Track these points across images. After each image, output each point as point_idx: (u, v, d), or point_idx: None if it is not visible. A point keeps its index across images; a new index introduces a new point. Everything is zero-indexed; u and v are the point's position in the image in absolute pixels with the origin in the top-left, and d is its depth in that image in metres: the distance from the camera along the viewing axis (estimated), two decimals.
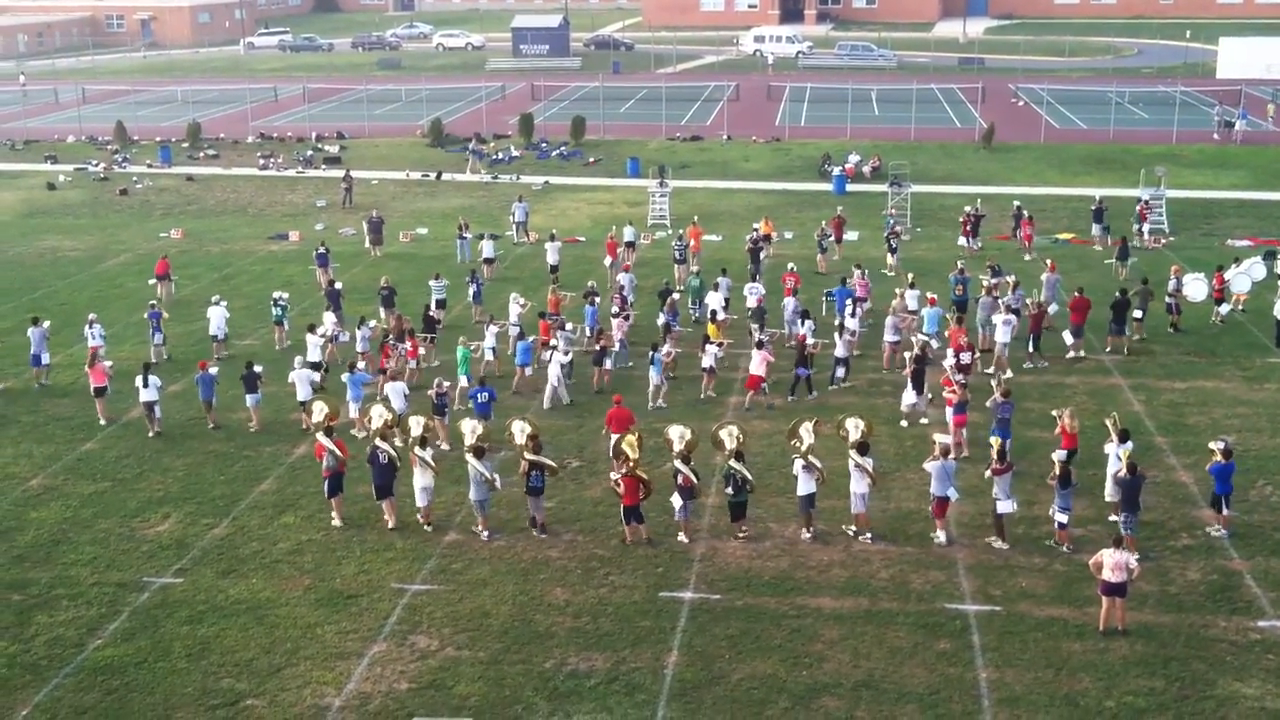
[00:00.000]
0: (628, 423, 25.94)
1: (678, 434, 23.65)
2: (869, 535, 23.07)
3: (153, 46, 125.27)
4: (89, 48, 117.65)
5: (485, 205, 53.94)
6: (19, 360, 33.73)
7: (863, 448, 23.01)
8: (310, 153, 66.28)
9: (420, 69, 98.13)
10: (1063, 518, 22.52)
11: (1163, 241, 45.79)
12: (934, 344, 31.35)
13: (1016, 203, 47.08)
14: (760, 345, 30.14)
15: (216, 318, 34.21)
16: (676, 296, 35.30)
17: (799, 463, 23.07)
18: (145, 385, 28.55)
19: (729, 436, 23.57)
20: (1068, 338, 33.03)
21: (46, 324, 33.43)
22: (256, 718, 18.04)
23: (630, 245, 43.25)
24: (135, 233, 50.79)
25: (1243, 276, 36.86)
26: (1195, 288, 36.08)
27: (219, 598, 21.39)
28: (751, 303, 34.71)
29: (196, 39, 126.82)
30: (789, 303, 34.31)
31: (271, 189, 59.41)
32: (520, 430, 24.20)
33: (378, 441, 24.08)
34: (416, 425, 24.42)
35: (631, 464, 23.09)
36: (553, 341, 31.18)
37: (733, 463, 22.98)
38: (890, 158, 58.46)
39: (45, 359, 32.59)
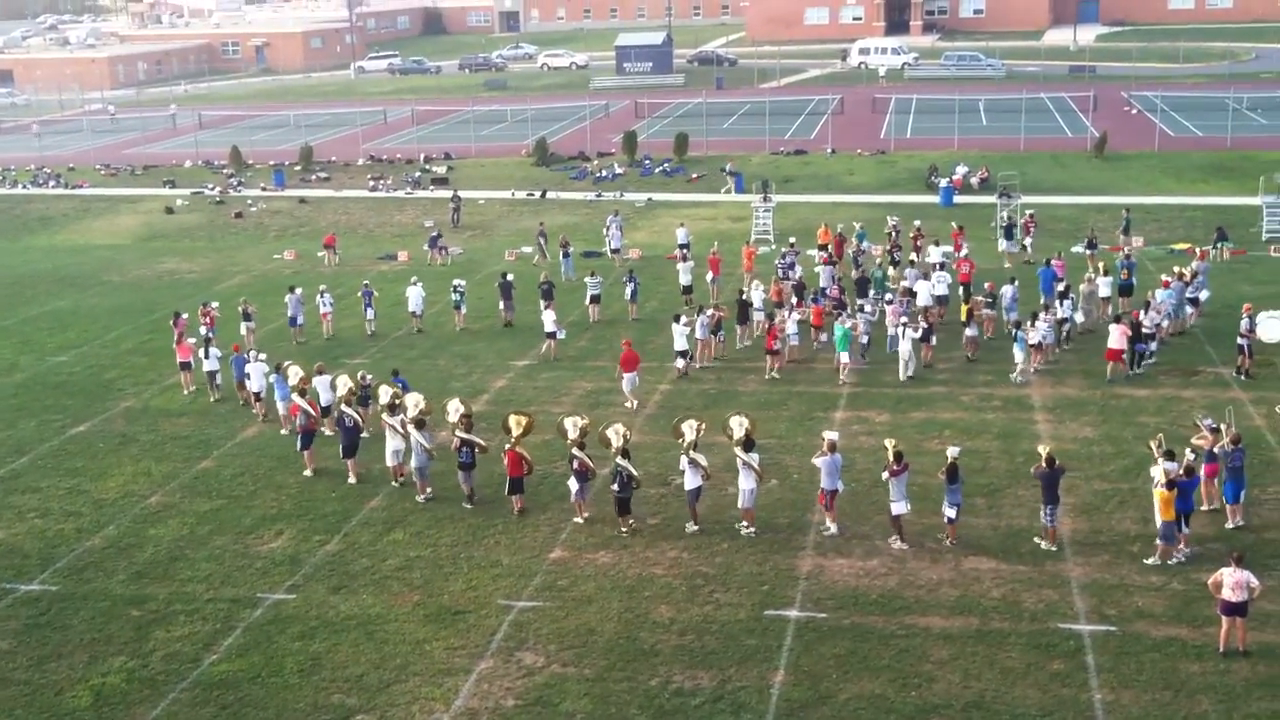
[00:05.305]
0: (635, 364, 30.40)
1: (572, 424, 24.90)
2: (754, 530, 23.68)
3: (266, 72, 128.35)
4: (205, 74, 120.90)
5: (589, 223, 54.20)
6: (139, 380, 34.72)
7: (748, 444, 23.64)
8: (418, 174, 67.27)
9: (525, 89, 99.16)
10: (951, 513, 22.71)
11: None
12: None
13: (917, 223, 44.84)
14: (1119, 319, 31.84)
15: (415, 296, 38.29)
16: (908, 284, 36.74)
17: (684, 459, 23.92)
18: (206, 357, 32.55)
19: (616, 435, 24.34)
20: None
21: (299, 290, 38.02)
22: None
23: (684, 248, 43.88)
24: (250, 254, 51.99)
25: (1275, 322, 32.55)
26: (1269, 328, 32.15)
27: (330, 614, 21.70)
28: (941, 290, 35.94)
29: (308, 64, 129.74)
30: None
31: (381, 210, 60.41)
32: (454, 409, 26.26)
33: (343, 407, 27.23)
34: (385, 394, 27.14)
35: (514, 439, 24.75)
36: (901, 319, 32.86)
37: (619, 459, 23.78)
38: (999, 168, 57.66)
39: (300, 320, 37.55)
